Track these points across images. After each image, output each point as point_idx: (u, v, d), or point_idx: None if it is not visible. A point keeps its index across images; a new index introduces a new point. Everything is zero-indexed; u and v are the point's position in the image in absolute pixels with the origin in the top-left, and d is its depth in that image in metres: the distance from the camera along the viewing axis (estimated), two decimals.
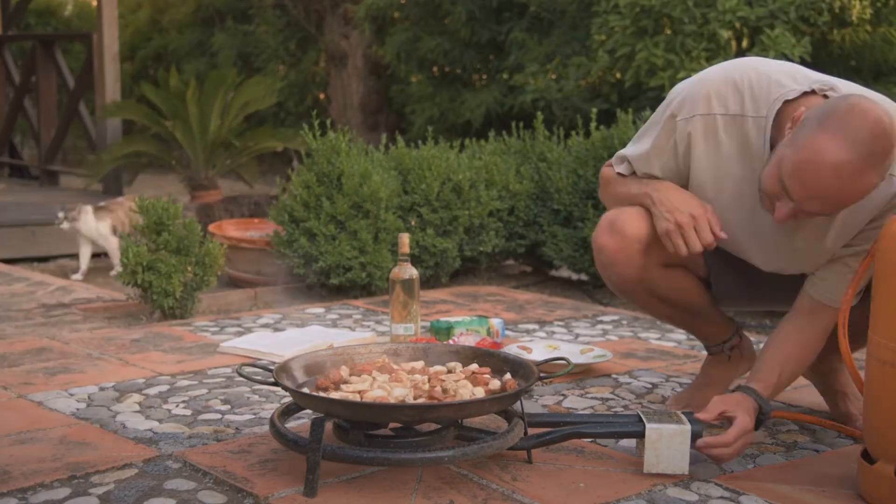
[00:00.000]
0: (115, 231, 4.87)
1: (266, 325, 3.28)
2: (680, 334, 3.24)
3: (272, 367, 1.99)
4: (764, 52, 5.70)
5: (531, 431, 1.97)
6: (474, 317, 3.06)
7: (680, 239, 2.05)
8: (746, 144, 2.02)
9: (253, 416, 2.27)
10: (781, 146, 1.89)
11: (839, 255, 2.03)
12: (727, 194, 2.08)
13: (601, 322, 3.43)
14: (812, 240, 2.03)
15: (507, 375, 1.99)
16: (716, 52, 5.75)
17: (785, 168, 1.84)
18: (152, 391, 2.47)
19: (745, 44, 5.96)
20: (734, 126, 2.02)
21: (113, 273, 4.74)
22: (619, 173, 2.24)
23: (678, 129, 2.07)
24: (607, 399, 2.46)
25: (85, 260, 4.93)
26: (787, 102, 1.96)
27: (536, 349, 2.80)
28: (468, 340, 2.84)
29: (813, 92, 1.97)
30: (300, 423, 2.19)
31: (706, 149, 2.06)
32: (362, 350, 2.15)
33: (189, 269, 3.47)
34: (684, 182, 2.13)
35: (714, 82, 2.05)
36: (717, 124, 2.03)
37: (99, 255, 5.14)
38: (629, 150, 2.21)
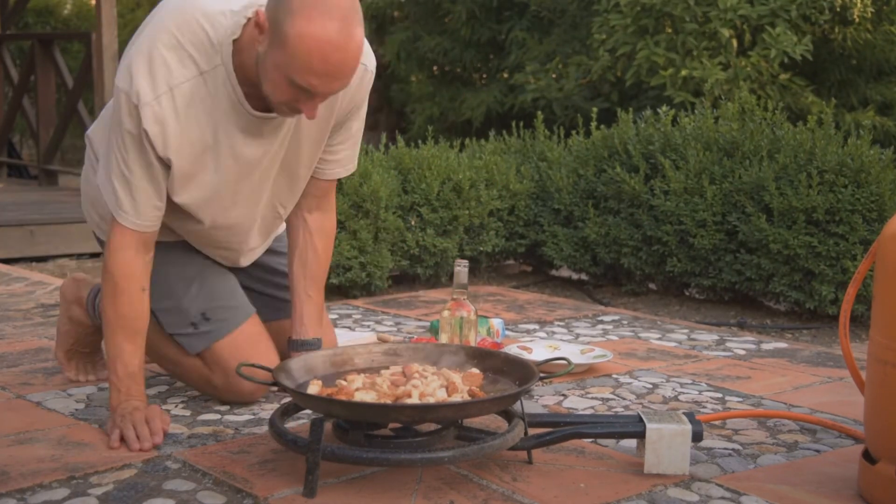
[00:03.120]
0: None
1: None
2: (681, 334, 3.24)
3: (271, 367, 1.99)
4: (766, 51, 5.70)
5: (531, 432, 1.96)
6: None
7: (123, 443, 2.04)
8: (208, 99, 2.00)
9: (252, 417, 2.26)
10: (264, 56, 1.88)
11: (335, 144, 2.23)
12: (211, 165, 2.07)
13: (601, 322, 3.42)
14: (315, 146, 2.18)
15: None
16: (717, 51, 5.75)
17: (290, 70, 1.83)
18: (151, 391, 2.46)
19: (746, 42, 5.96)
20: (193, 91, 1.98)
21: None
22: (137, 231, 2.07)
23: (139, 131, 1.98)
24: (608, 399, 2.46)
25: None
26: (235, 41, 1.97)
27: (537, 349, 2.79)
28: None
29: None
30: (300, 424, 2.18)
31: (170, 129, 1.99)
32: (362, 350, 2.14)
33: None
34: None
35: (143, 58, 1.96)
36: (183, 92, 1.97)
37: (97, 254, 5.14)
38: (122, 200, 2.03)
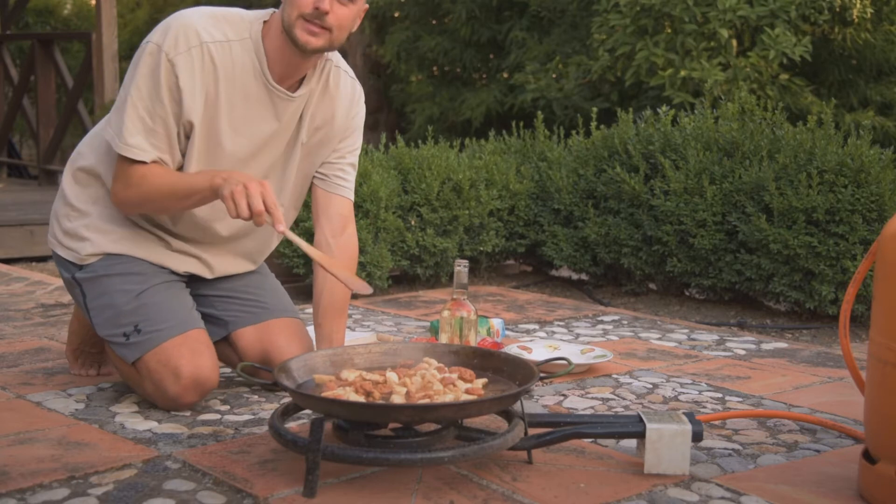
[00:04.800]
0: None
1: None
2: (681, 334, 3.24)
3: (271, 368, 1.99)
4: (765, 52, 5.70)
5: (531, 431, 1.96)
6: None
7: (244, 200, 2.05)
8: (229, 66, 2.19)
9: (252, 417, 2.26)
10: None
11: (333, 159, 2.41)
12: (226, 129, 2.24)
13: (601, 322, 3.42)
14: (320, 151, 2.39)
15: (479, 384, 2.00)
16: (716, 52, 5.75)
17: None
18: None
19: (745, 43, 5.96)
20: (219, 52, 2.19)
21: None
22: (143, 161, 2.19)
23: (169, 66, 2.14)
24: (608, 399, 2.46)
25: None
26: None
27: (537, 349, 2.79)
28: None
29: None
30: (300, 424, 2.18)
31: (197, 81, 2.17)
32: (362, 350, 2.15)
33: None
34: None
35: (193, 17, 2.18)
36: (211, 51, 2.18)
37: None
38: (135, 133, 2.17)
